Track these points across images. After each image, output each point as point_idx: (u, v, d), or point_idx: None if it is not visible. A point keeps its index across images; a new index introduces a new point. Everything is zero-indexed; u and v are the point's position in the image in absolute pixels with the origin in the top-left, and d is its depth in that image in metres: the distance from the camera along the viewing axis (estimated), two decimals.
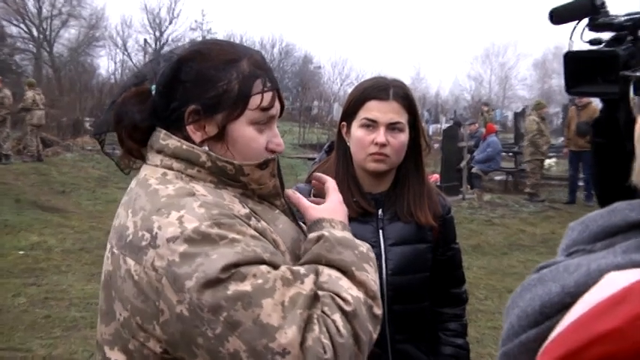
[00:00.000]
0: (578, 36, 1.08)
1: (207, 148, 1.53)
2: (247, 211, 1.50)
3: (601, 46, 1.06)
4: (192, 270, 1.34)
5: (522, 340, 0.70)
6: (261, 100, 1.54)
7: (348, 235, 1.60)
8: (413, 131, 2.39)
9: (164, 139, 1.54)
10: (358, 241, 1.60)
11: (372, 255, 1.60)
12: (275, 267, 1.41)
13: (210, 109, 1.51)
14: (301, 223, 1.75)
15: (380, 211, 2.39)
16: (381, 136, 2.30)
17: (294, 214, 1.71)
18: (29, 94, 18.07)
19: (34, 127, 17.94)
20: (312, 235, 1.59)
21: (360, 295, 1.49)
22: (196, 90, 1.51)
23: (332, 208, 1.68)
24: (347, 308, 1.44)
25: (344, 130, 2.43)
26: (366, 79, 2.53)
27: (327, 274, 1.49)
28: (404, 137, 2.34)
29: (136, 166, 1.66)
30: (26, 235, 10.40)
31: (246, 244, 1.39)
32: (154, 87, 1.59)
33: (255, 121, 1.54)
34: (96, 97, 26.48)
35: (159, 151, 1.55)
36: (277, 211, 1.63)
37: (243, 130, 1.54)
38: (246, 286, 1.34)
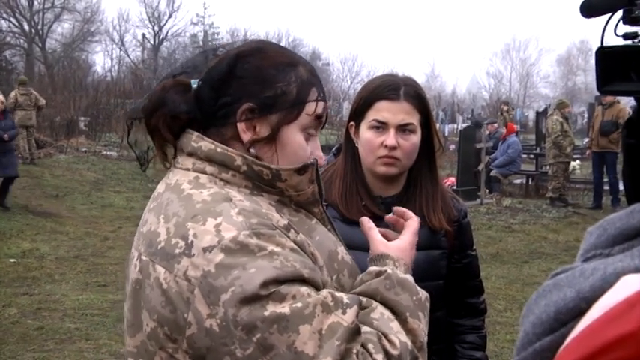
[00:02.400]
0: (611, 30, 1.06)
1: (253, 150, 1.54)
2: (286, 222, 1.49)
3: (636, 40, 1.04)
4: (229, 283, 1.34)
5: (537, 349, 0.71)
6: (316, 107, 1.59)
7: (410, 278, 1.61)
8: (425, 131, 2.39)
9: (196, 141, 1.54)
10: (419, 288, 1.60)
11: (428, 305, 1.62)
12: (315, 286, 1.41)
13: (266, 108, 1.53)
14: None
15: None
16: (391, 138, 2.30)
17: (332, 222, 1.71)
18: (12, 93, 18.11)
19: (18, 128, 17.93)
20: (372, 269, 1.60)
21: (408, 342, 1.49)
22: (253, 87, 1.54)
23: (402, 247, 1.70)
24: (393, 351, 1.44)
25: (352, 131, 2.43)
26: (375, 76, 2.53)
27: (380, 312, 1.50)
28: (415, 139, 2.34)
29: (166, 164, 1.65)
30: (17, 242, 10.45)
31: (285, 258, 1.38)
32: (194, 81, 1.60)
33: (306, 127, 1.58)
34: (91, 95, 26.49)
35: (190, 154, 1.55)
36: (314, 221, 1.63)
37: (294, 135, 1.56)
38: (284, 308, 1.33)
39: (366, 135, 2.36)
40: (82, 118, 24.66)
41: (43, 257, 9.72)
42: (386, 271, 1.57)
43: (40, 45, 48.81)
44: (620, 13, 1.04)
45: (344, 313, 1.39)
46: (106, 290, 8.07)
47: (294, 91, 1.55)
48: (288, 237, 1.45)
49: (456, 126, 33.43)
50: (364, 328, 1.45)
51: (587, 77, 61.08)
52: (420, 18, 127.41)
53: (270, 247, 1.38)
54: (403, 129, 2.32)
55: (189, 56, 1.77)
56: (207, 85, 1.57)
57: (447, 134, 30.20)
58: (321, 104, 1.60)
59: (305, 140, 1.59)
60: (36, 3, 48.22)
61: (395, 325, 1.50)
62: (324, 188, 2.41)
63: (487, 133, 16.60)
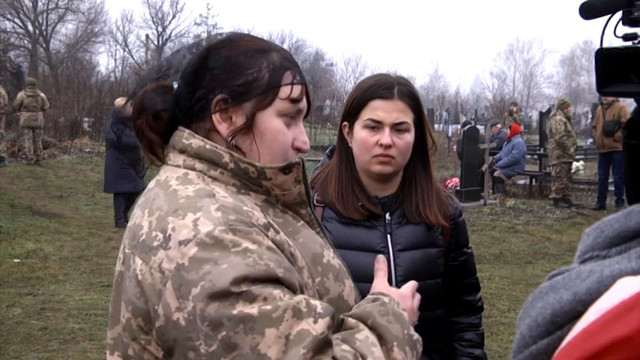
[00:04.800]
0: (611, 31, 1.05)
1: (234, 141, 1.54)
2: (266, 220, 1.47)
3: (636, 41, 1.03)
4: (200, 277, 1.33)
5: (532, 352, 0.70)
6: (291, 91, 1.56)
7: (406, 315, 1.58)
8: (419, 130, 2.41)
9: (187, 138, 1.55)
10: (413, 330, 1.58)
11: (419, 347, 1.57)
12: (290, 287, 1.39)
13: (239, 96, 1.53)
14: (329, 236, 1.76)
15: (387, 215, 2.41)
16: (386, 136, 2.31)
17: (322, 225, 1.70)
18: (19, 94, 18.19)
19: (24, 128, 18.02)
20: (370, 296, 1.59)
21: None
22: (224, 77, 1.53)
23: (402, 294, 1.69)
24: None
25: (345, 131, 2.44)
26: (367, 76, 2.54)
27: (366, 335, 1.47)
28: (410, 138, 2.36)
29: (158, 164, 1.66)
30: (21, 242, 10.46)
31: (259, 257, 1.37)
32: (175, 83, 1.61)
33: (284, 112, 1.56)
34: (95, 95, 26.50)
35: (182, 151, 1.56)
36: (301, 222, 1.62)
37: (271, 120, 1.55)
38: (252, 309, 1.31)
39: (360, 134, 2.37)
40: (86, 119, 24.67)
41: (47, 258, 9.73)
42: (382, 299, 1.57)
43: (43, 46, 48.83)
44: (619, 15, 1.04)
45: (315, 322, 1.35)
46: (109, 290, 7.99)
47: (266, 77, 1.54)
48: (267, 235, 1.43)
49: (459, 126, 33.39)
50: (343, 346, 1.42)
51: (590, 78, 60.91)
52: (424, 18, 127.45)
53: (245, 244, 1.37)
54: (398, 128, 2.34)
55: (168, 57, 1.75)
56: (183, 81, 1.57)
57: (450, 135, 30.17)
58: (297, 87, 1.58)
59: (286, 125, 1.57)
60: (40, 4, 48.27)
61: (377, 350, 1.45)
62: (320, 189, 2.43)
63: (491, 133, 16.57)
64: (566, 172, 14.90)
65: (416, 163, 2.44)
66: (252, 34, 1.69)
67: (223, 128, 1.54)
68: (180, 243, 1.38)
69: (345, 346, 1.43)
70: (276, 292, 1.35)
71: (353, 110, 2.40)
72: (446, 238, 2.46)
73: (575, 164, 15.97)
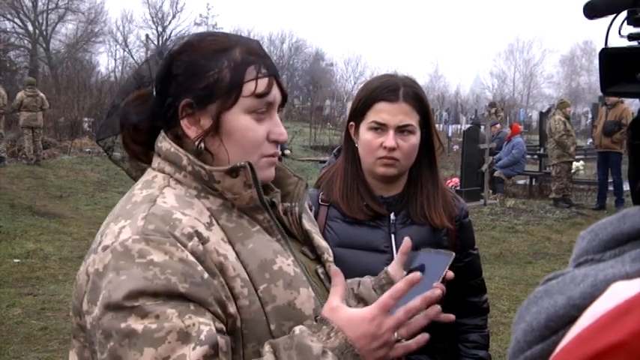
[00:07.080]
0: (616, 31, 1.05)
1: (203, 145, 1.54)
2: (192, 230, 1.44)
3: None
4: (104, 286, 1.36)
5: (527, 357, 0.70)
6: (256, 86, 1.54)
7: (319, 350, 1.40)
8: (424, 131, 2.40)
9: (160, 141, 1.57)
10: None
11: None
12: (197, 301, 1.37)
13: (203, 100, 1.52)
14: (318, 238, 1.75)
15: (392, 215, 2.41)
16: (390, 139, 2.32)
17: (282, 230, 1.62)
18: (18, 94, 18.20)
19: (23, 128, 18.03)
20: (296, 327, 1.48)
21: None
22: (187, 82, 1.53)
23: (352, 318, 1.47)
24: None
25: (352, 131, 2.45)
26: (375, 76, 2.54)
27: None
28: (414, 140, 2.36)
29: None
30: (21, 242, 10.46)
31: (162, 270, 1.35)
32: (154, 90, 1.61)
33: (251, 109, 1.55)
34: (95, 95, 26.48)
35: (158, 154, 1.58)
36: (256, 228, 1.57)
37: (238, 119, 1.54)
38: (139, 325, 1.32)
39: (365, 136, 2.38)
40: (86, 119, 24.64)
41: (47, 258, 9.73)
42: (294, 332, 1.45)
43: (43, 46, 48.80)
44: (624, 14, 1.04)
45: (194, 348, 1.33)
46: None
47: (228, 76, 1.53)
48: (185, 246, 1.40)
49: (459, 126, 33.40)
50: None
51: (590, 78, 61.03)
52: (424, 18, 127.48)
53: (152, 255, 1.37)
54: (402, 130, 2.33)
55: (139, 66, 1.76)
56: (155, 90, 1.58)
57: (450, 135, 30.17)
58: (262, 81, 1.55)
59: (257, 121, 1.56)
60: (40, 4, 48.24)
61: None
62: (325, 189, 2.43)
63: (491, 133, 16.57)
64: (566, 172, 14.89)
65: (422, 164, 2.44)
66: (216, 31, 1.68)
67: (192, 132, 1.54)
68: (103, 249, 1.42)
69: None
70: (171, 311, 1.34)
71: (359, 111, 2.41)
72: (451, 239, 2.45)
73: (575, 164, 15.96)
